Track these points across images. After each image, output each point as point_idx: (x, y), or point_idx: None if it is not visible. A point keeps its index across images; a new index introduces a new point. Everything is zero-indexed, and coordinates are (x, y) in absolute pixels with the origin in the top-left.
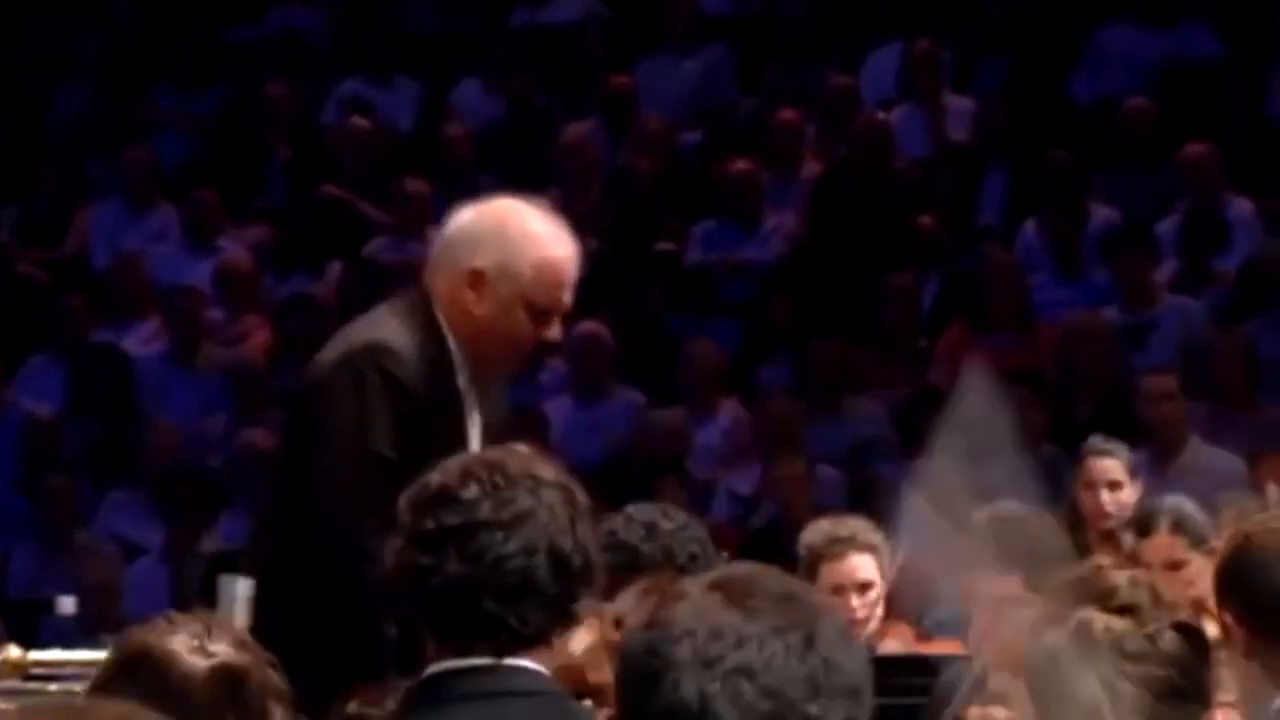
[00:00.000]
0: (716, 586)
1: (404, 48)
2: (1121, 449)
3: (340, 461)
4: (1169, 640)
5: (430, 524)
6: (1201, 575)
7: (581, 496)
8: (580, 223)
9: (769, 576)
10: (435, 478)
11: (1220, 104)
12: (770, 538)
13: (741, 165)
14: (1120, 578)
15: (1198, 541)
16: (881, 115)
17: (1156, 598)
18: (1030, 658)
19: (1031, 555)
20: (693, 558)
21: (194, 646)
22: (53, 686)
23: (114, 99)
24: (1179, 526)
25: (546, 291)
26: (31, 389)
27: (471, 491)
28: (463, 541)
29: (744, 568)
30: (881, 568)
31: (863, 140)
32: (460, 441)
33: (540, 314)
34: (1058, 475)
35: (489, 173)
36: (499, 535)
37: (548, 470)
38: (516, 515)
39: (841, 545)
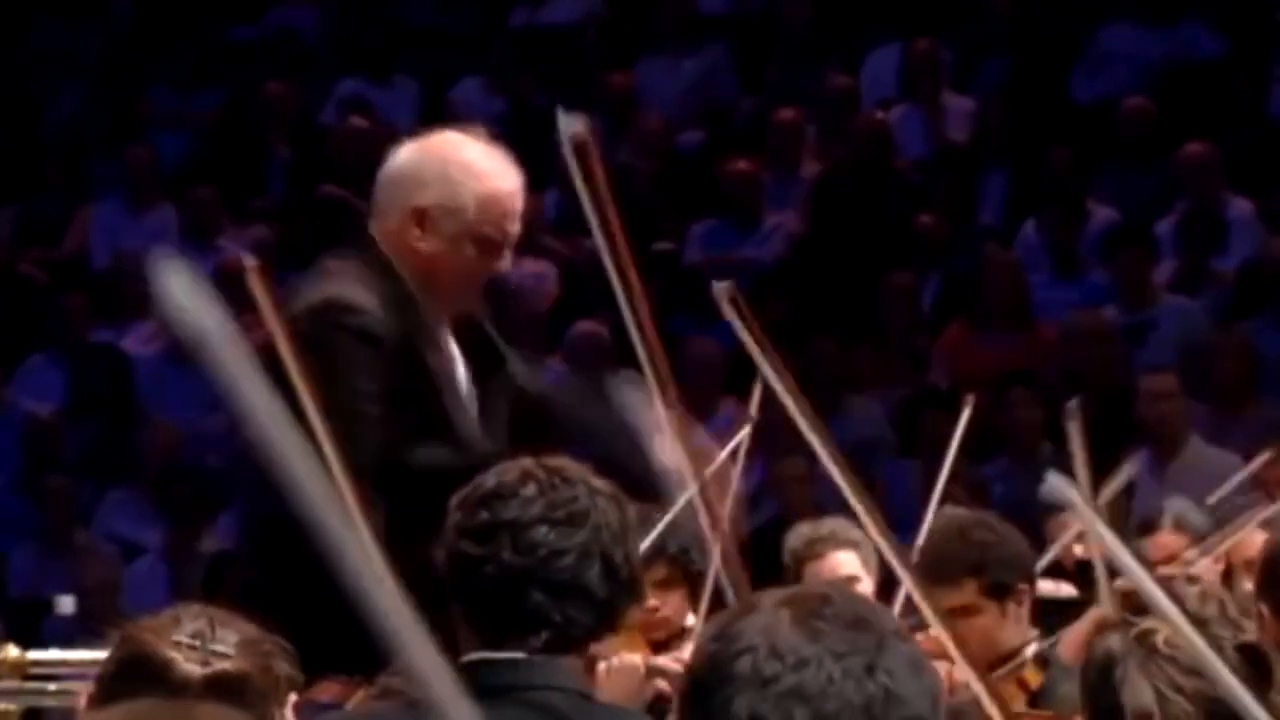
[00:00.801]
0: (787, 603)
1: (403, 47)
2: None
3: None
4: (1229, 659)
5: (485, 516)
6: (1203, 573)
7: (631, 511)
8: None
9: (843, 598)
10: (490, 477)
11: (1220, 104)
12: (770, 537)
13: (741, 165)
14: (1190, 591)
15: (1198, 540)
16: (881, 115)
17: (1225, 613)
18: (1089, 661)
19: (982, 562)
20: (684, 550)
21: (193, 649)
22: (52, 686)
23: (113, 98)
24: (1181, 526)
25: (492, 224)
26: (31, 389)
27: (529, 490)
28: (517, 533)
29: (821, 587)
30: (865, 562)
31: (862, 140)
32: (447, 382)
33: (487, 247)
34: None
35: None
36: (554, 533)
37: (601, 482)
38: (572, 515)
39: (821, 544)
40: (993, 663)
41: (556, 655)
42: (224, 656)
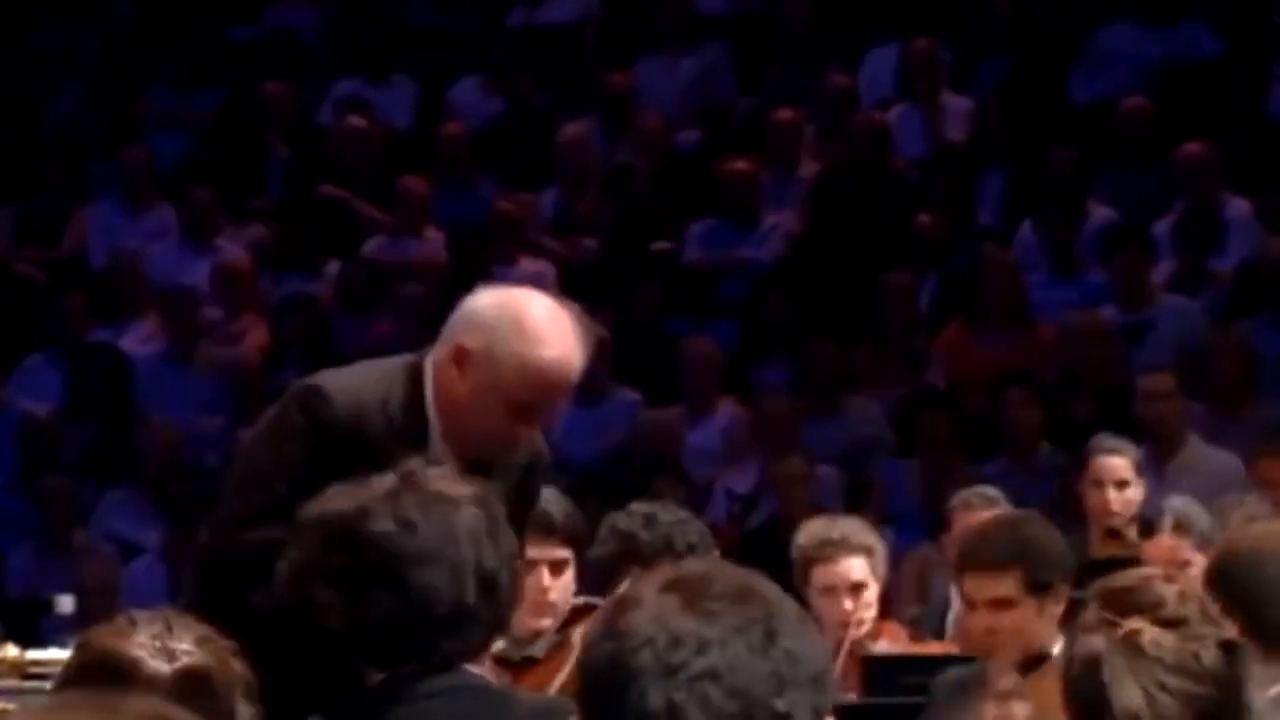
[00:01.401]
0: (670, 588)
1: (401, 47)
2: (1130, 447)
3: (233, 489)
4: (1212, 657)
5: (348, 561)
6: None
7: (499, 509)
8: (578, 222)
9: (723, 573)
10: (338, 508)
11: (1219, 104)
12: (768, 537)
13: (740, 164)
14: (1169, 590)
15: (1201, 542)
16: (880, 115)
17: (1204, 611)
18: (1073, 660)
19: (1028, 555)
20: (691, 547)
21: (156, 648)
22: (50, 686)
23: (111, 98)
24: (1182, 527)
25: (526, 390)
26: (29, 389)
27: (384, 525)
28: (388, 577)
29: (696, 566)
30: (874, 569)
31: (861, 140)
32: None
33: (517, 409)
34: (1055, 475)
35: (487, 172)
36: (423, 569)
37: (461, 487)
38: (436, 541)
39: (833, 547)
40: (1022, 661)
41: (460, 663)
42: (187, 653)
